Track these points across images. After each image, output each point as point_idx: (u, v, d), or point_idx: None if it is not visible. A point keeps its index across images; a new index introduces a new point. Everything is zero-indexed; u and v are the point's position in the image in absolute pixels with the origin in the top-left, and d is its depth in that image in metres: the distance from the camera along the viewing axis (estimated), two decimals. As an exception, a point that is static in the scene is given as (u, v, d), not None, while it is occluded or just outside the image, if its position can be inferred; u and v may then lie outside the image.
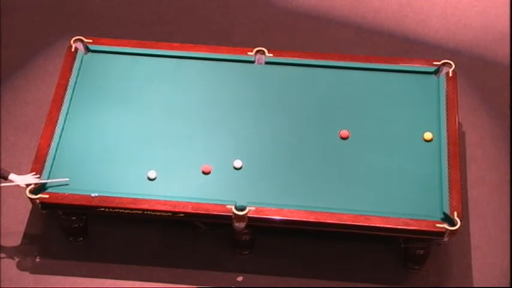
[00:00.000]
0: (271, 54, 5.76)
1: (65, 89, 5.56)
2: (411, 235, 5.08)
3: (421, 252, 5.27)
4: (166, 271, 5.39)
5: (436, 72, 5.69)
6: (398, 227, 5.00)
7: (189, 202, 5.08)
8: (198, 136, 5.42)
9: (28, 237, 5.54)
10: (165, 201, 5.08)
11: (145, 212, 5.08)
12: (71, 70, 5.65)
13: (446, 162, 5.25)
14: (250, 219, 5.06)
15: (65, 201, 5.09)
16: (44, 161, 5.21)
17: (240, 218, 5.05)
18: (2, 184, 5.11)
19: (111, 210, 5.09)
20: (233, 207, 5.04)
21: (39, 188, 5.11)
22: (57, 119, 5.41)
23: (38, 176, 5.13)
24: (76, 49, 5.77)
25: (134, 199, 5.09)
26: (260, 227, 5.19)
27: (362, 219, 5.02)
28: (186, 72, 5.73)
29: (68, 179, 5.15)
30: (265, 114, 5.53)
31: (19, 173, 5.16)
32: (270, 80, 5.69)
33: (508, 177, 5.84)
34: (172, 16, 6.82)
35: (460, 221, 4.98)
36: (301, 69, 5.74)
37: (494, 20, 6.77)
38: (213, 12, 6.85)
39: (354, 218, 5.02)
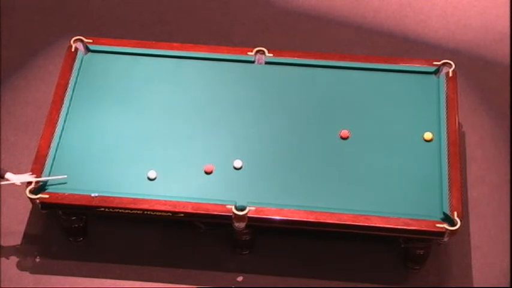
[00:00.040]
0: (271, 54, 5.76)
1: (65, 89, 5.56)
2: (411, 235, 5.08)
3: (421, 252, 5.27)
4: (166, 271, 5.40)
5: (436, 72, 5.69)
6: (398, 227, 5.00)
7: (189, 202, 5.08)
8: (198, 136, 5.42)
9: (28, 237, 5.54)
10: (165, 201, 5.09)
11: (145, 212, 5.08)
12: (71, 70, 5.65)
13: (446, 162, 5.25)
14: (250, 219, 5.06)
15: (65, 201, 5.09)
16: (44, 161, 5.21)
17: (240, 218, 5.05)
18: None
19: (111, 210, 5.09)
20: (233, 207, 5.04)
21: (39, 188, 5.11)
22: (57, 119, 5.41)
23: (35, 175, 5.13)
24: (76, 49, 5.77)
25: (134, 199, 5.09)
26: (260, 227, 5.19)
27: (362, 219, 5.02)
28: (186, 72, 5.73)
29: (65, 176, 5.15)
30: (265, 114, 5.53)
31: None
32: (270, 80, 5.69)
33: (508, 177, 5.84)
34: (172, 16, 6.82)
35: (460, 221, 4.98)
36: (301, 69, 5.74)
37: (494, 20, 6.77)
38: (213, 12, 6.86)
39: (354, 218, 5.02)
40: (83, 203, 5.08)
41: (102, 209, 5.09)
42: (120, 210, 5.08)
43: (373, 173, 5.25)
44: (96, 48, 5.80)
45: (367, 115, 5.51)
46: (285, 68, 5.74)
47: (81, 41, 5.79)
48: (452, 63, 5.68)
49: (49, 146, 5.28)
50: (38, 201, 5.08)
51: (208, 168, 5.25)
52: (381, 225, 5.01)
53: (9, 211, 5.63)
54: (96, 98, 5.58)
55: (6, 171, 5.08)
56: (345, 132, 5.42)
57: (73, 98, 5.54)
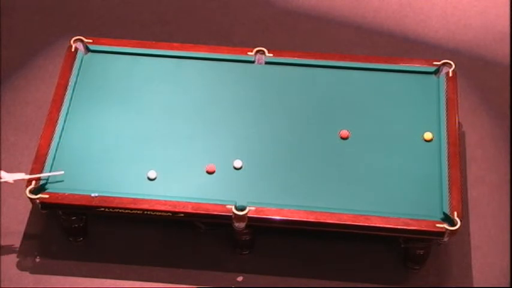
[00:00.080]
0: (271, 54, 5.76)
1: (65, 89, 5.56)
2: (411, 235, 5.08)
3: (421, 252, 5.27)
4: (166, 271, 5.39)
5: (436, 72, 5.69)
6: (398, 227, 5.00)
7: (189, 202, 5.08)
8: (198, 136, 5.42)
9: (28, 237, 5.54)
10: (165, 201, 5.09)
11: (145, 212, 5.08)
12: (71, 70, 5.65)
13: (446, 162, 5.25)
14: (250, 219, 5.06)
15: (65, 201, 5.09)
16: (44, 161, 5.21)
17: (240, 218, 5.05)
18: None
19: (111, 210, 5.09)
20: (233, 207, 5.04)
21: (39, 188, 5.11)
22: (57, 119, 5.41)
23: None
24: (76, 49, 5.77)
25: (134, 199, 5.09)
26: (260, 227, 5.19)
27: (362, 219, 5.02)
28: (186, 72, 5.73)
29: (63, 172, 5.14)
30: (265, 114, 5.53)
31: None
32: (270, 80, 5.69)
33: (508, 177, 5.84)
34: (172, 16, 6.82)
35: (460, 221, 4.98)
36: (301, 69, 5.74)
37: (494, 20, 6.77)
38: (213, 12, 6.85)
39: (354, 218, 5.02)
40: (83, 203, 5.08)
41: (102, 209, 5.09)
42: (120, 210, 5.08)
43: (373, 173, 5.25)
44: (96, 48, 5.80)
45: (367, 115, 5.51)
46: (285, 68, 5.74)
47: (81, 41, 5.78)
48: (452, 63, 5.68)
49: (49, 146, 5.28)
50: (38, 201, 5.08)
51: (211, 168, 5.25)
52: (381, 225, 5.01)
53: (9, 211, 5.63)
54: (96, 98, 5.58)
55: (0, 170, 5.09)
56: (344, 132, 5.42)
57: (73, 98, 5.54)
